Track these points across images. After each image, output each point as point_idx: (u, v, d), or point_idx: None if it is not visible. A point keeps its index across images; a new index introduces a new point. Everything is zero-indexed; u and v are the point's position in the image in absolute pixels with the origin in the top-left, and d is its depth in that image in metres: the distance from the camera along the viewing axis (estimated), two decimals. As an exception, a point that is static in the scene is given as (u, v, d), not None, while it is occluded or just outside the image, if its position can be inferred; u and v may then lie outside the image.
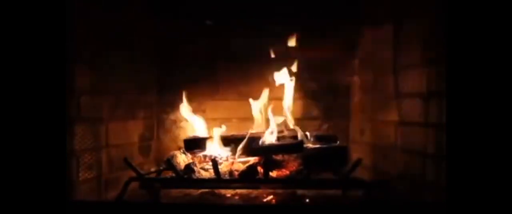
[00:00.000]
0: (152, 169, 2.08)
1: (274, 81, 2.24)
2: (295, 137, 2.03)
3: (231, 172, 1.89)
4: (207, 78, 2.40)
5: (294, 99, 2.28)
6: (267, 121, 2.17)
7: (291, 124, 2.18)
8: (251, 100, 2.21)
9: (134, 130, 2.18)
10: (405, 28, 1.79)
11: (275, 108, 2.21)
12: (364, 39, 2.25)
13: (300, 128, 2.10)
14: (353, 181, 1.77)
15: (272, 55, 2.29)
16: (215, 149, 2.05)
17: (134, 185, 1.76)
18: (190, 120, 2.29)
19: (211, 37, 2.39)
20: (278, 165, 1.92)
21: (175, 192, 1.87)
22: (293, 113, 2.24)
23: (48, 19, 1.30)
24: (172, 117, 2.39)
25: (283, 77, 2.23)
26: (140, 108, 2.23)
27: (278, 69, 2.23)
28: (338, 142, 2.04)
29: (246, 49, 2.37)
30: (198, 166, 1.92)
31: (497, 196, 1.16)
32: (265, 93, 2.21)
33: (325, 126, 2.24)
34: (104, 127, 1.86)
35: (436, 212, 1.37)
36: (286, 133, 2.07)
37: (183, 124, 2.36)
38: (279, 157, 1.95)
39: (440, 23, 1.39)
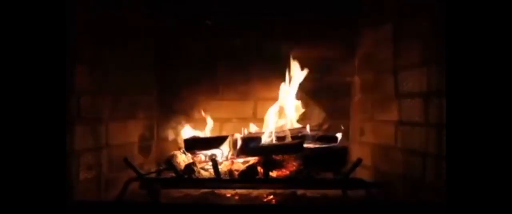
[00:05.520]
0: (152, 169, 2.08)
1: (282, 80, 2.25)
2: (296, 136, 2.03)
3: (231, 172, 1.89)
4: (207, 78, 2.40)
5: (294, 99, 2.29)
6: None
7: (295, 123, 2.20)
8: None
9: (134, 130, 2.18)
10: (405, 28, 1.79)
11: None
12: (364, 39, 2.25)
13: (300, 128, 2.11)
14: (353, 181, 1.77)
15: (272, 56, 2.29)
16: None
17: (134, 185, 1.76)
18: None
19: (211, 37, 2.39)
20: (278, 165, 1.92)
21: (175, 192, 1.88)
22: (295, 112, 2.25)
23: (48, 19, 1.29)
24: (172, 117, 2.39)
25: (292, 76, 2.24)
26: (140, 108, 2.23)
27: (278, 69, 2.24)
28: (337, 142, 2.05)
29: (246, 49, 2.37)
30: (198, 166, 1.93)
31: (497, 196, 1.16)
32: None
33: (325, 126, 2.24)
34: (104, 127, 1.86)
35: (436, 212, 1.37)
36: (287, 132, 2.07)
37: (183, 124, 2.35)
38: (279, 157, 1.95)
39: (440, 23, 1.39)
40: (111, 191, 1.85)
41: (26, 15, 1.26)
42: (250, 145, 1.98)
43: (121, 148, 2.00)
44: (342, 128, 2.10)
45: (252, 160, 1.98)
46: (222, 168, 1.91)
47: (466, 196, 1.18)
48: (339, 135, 2.05)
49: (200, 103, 2.40)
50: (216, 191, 1.88)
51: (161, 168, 1.99)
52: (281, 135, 2.04)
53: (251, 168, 1.87)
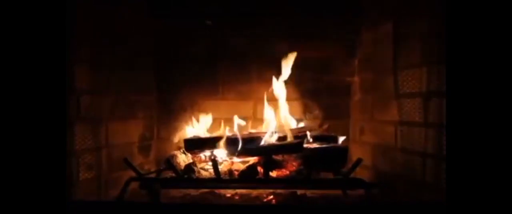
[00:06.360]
0: (152, 169, 2.08)
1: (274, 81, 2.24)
2: (296, 136, 2.03)
3: (231, 172, 1.89)
4: (207, 78, 2.40)
5: (294, 99, 2.29)
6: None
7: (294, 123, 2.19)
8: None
9: (134, 130, 2.18)
10: (405, 28, 1.79)
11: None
12: (364, 39, 2.25)
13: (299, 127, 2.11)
14: (353, 181, 1.77)
15: (272, 55, 2.29)
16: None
17: (134, 185, 1.76)
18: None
19: (211, 37, 2.39)
20: (278, 165, 1.92)
21: (175, 192, 1.87)
22: (293, 112, 2.25)
23: (48, 19, 1.29)
24: (172, 117, 2.39)
25: (283, 77, 2.24)
26: (140, 108, 2.23)
27: (278, 68, 2.24)
28: (338, 142, 2.04)
29: (246, 48, 2.37)
30: (198, 166, 1.92)
31: (496, 196, 1.16)
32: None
33: (325, 126, 2.24)
34: (104, 127, 1.86)
35: (436, 212, 1.37)
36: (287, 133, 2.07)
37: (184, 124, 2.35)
38: (279, 157, 1.95)
39: (440, 23, 1.39)
40: (111, 191, 1.85)
41: (26, 14, 1.26)
42: (250, 145, 1.97)
43: (121, 148, 2.00)
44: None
45: (252, 160, 1.98)
46: (222, 168, 1.91)
47: (466, 196, 1.18)
48: (340, 138, 2.06)
49: (200, 103, 2.40)
50: (216, 191, 1.88)
51: (161, 168, 1.99)
52: (281, 134, 2.05)
53: (251, 168, 1.87)
